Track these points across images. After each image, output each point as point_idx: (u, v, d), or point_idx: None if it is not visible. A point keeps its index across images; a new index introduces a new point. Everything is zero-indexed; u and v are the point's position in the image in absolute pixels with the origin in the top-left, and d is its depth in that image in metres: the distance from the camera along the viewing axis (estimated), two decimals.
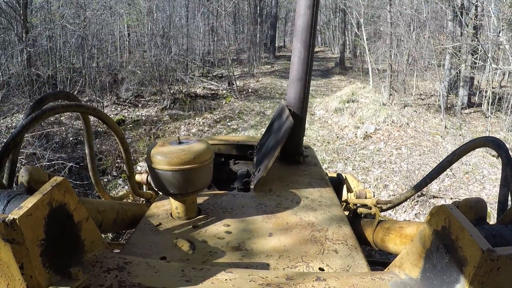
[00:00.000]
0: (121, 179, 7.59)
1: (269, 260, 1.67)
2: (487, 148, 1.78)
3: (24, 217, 1.02)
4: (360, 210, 2.93)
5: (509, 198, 1.52)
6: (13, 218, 0.99)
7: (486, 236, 1.04)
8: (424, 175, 2.18)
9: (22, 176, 1.26)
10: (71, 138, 9.18)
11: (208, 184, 2.04)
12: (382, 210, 2.60)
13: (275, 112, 3.24)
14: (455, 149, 1.92)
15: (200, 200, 2.21)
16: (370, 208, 2.74)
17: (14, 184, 1.57)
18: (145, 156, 1.92)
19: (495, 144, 1.62)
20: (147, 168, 1.98)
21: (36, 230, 1.08)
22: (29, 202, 1.06)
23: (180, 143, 1.90)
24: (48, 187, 1.14)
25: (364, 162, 8.71)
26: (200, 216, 2.05)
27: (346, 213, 2.87)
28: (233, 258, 1.68)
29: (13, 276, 1.06)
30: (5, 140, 1.42)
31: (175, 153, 1.80)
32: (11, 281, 1.07)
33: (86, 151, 2.34)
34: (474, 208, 1.31)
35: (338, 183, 3.37)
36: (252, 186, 2.50)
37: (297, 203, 2.29)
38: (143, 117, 11.77)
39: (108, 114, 2.09)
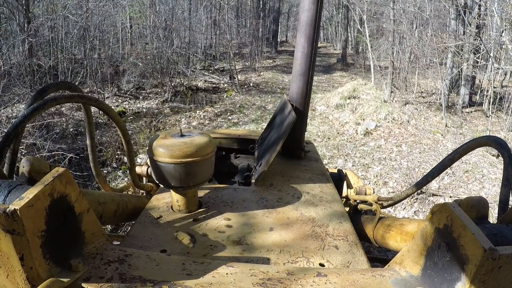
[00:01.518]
0: (121, 171, 7.59)
1: (269, 255, 1.67)
2: (488, 147, 1.78)
3: (25, 208, 1.01)
4: (360, 206, 2.93)
5: (511, 197, 1.51)
6: (14, 208, 0.98)
7: (487, 235, 1.04)
8: (425, 173, 2.17)
9: (23, 166, 1.25)
10: (71, 129, 9.17)
11: (209, 178, 2.03)
12: (382, 207, 2.60)
13: (277, 107, 3.23)
14: (456, 147, 1.92)
15: (201, 193, 2.20)
16: (370, 204, 2.73)
17: (14, 175, 1.56)
18: (147, 148, 1.91)
19: (497, 144, 1.61)
20: (148, 160, 1.97)
21: (37, 221, 1.07)
22: (30, 193, 1.05)
23: (182, 136, 1.89)
24: (50, 178, 1.13)
25: (364, 158, 8.70)
26: (201, 210, 2.04)
27: (347, 209, 2.86)
28: (233, 252, 1.67)
29: (13, 267, 1.05)
30: (6, 130, 1.40)
31: (177, 145, 1.80)
32: (10, 272, 1.06)
33: (87, 142, 2.33)
34: (476, 207, 1.31)
35: (338, 179, 3.36)
36: (253, 180, 2.49)
37: (298, 198, 2.28)
38: (144, 109, 11.75)
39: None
